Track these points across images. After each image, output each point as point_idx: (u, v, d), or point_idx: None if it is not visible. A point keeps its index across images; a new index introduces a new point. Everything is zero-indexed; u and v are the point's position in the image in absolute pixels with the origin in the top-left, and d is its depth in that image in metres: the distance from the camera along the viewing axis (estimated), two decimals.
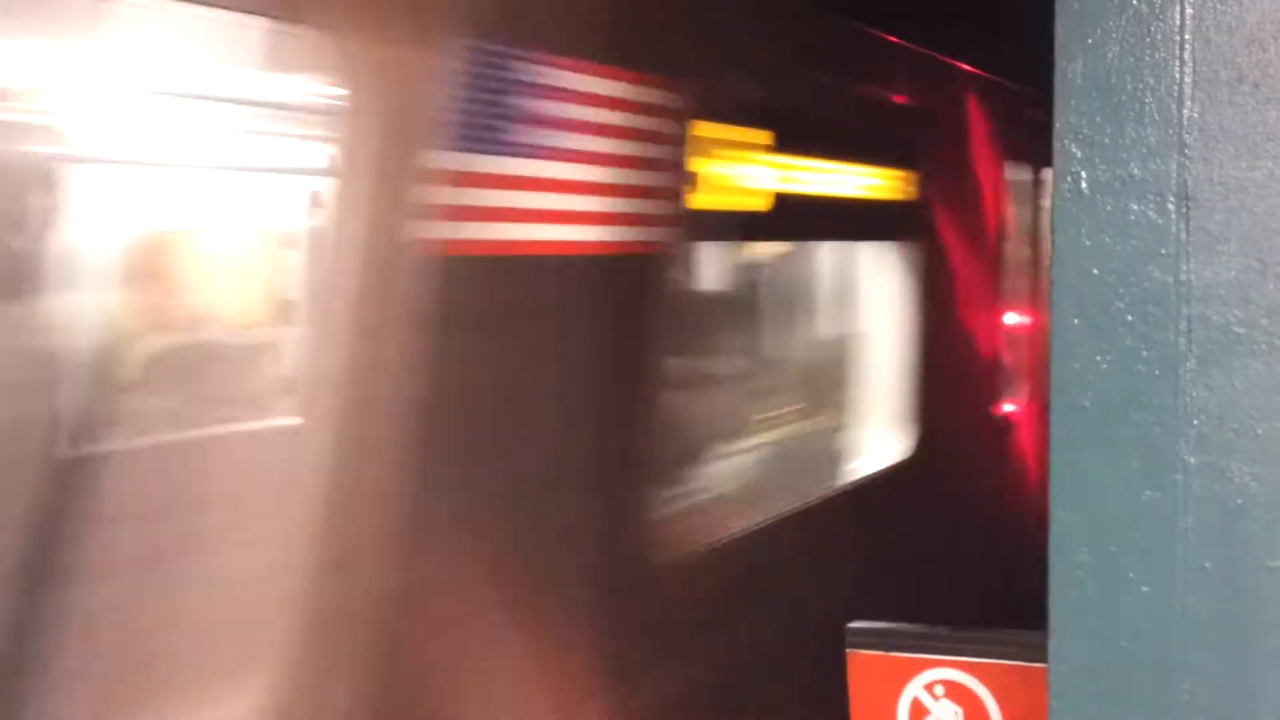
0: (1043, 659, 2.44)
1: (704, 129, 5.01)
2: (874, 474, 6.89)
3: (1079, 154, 2.38)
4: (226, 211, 4.16)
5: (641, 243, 4.59)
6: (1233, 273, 2.28)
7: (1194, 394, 2.31)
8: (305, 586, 3.50)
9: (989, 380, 8.26)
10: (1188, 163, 2.31)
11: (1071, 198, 2.38)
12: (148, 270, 3.96)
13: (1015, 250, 8.78)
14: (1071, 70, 2.38)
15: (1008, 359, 8.74)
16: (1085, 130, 2.37)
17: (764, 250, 7.37)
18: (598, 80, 4.35)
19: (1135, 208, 2.34)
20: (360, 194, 3.62)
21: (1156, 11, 2.33)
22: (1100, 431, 2.36)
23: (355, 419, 3.60)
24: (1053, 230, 2.40)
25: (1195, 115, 2.31)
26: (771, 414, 7.02)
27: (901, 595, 5.98)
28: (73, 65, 3.26)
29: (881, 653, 3.50)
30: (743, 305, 7.04)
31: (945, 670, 3.44)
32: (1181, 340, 2.31)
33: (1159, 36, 2.33)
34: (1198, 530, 2.31)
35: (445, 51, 3.85)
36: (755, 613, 5.54)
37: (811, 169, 6.08)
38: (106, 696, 3.38)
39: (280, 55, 3.50)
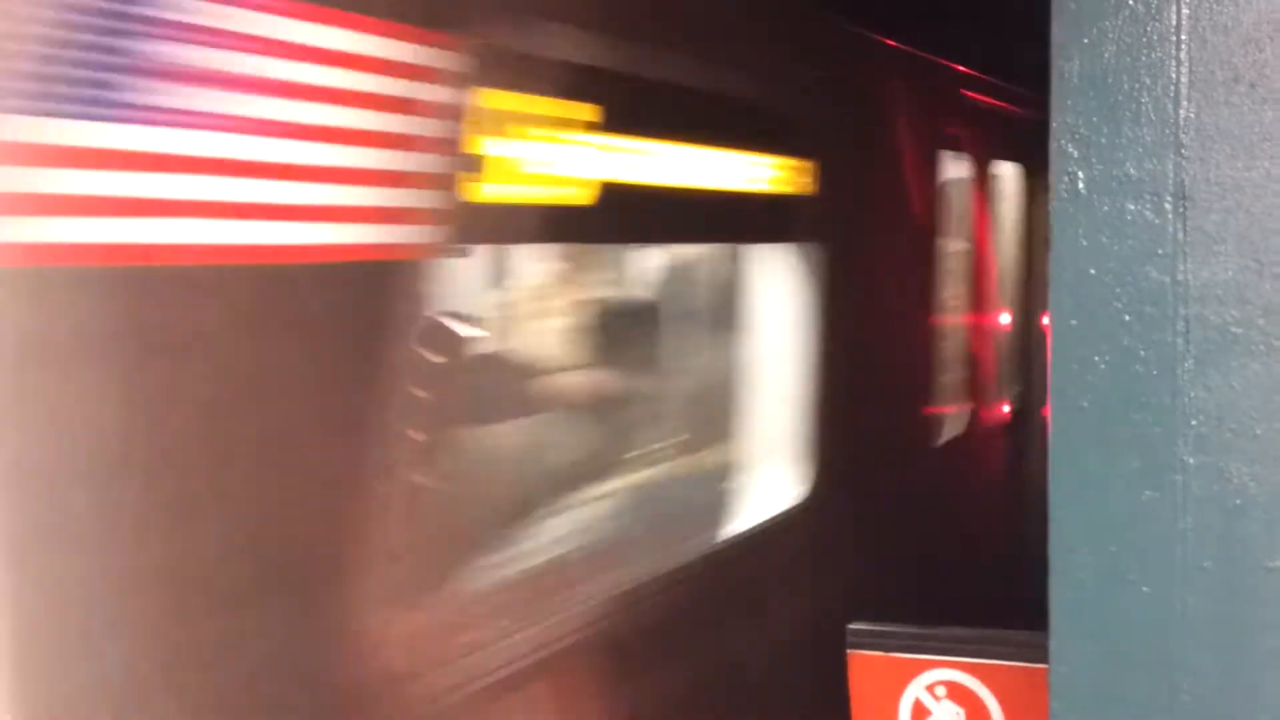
0: (1043, 659, 2.44)
1: (497, 99, 3.83)
2: (757, 526, 5.42)
3: (1075, 154, 2.38)
4: None
5: (382, 246, 3.41)
6: (1230, 273, 2.28)
7: (1192, 394, 2.31)
8: None
9: (920, 398, 7.19)
10: (1184, 163, 2.31)
11: (1068, 198, 2.38)
12: None
13: (959, 250, 7.87)
14: (1068, 70, 2.38)
15: (952, 370, 7.85)
16: (1082, 130, 2.37)
17: (610, 253, 6.33)
18: (312, 26, 3.22)
19: (1132, 208, 2.34)
20: None
21: (1153, 11, 2.33)
22: (1099, 432, 2.36)
23: None
24: (1050, 230, 2.40)
25: (1192, 115, 2.31)
26: (627, 455, 5.76)
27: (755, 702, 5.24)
28: None
29: (882, 653, 3.50)
30: (595, 322, 5.96)
31: (946, 671, 3.44)
32: (1179, 340, 2.31)
33: (1155, 36, 2.32)
34: (1197, 530, 2.31)
35: None
36: None
37: (662, 154, 4.79)
38: None
39: None
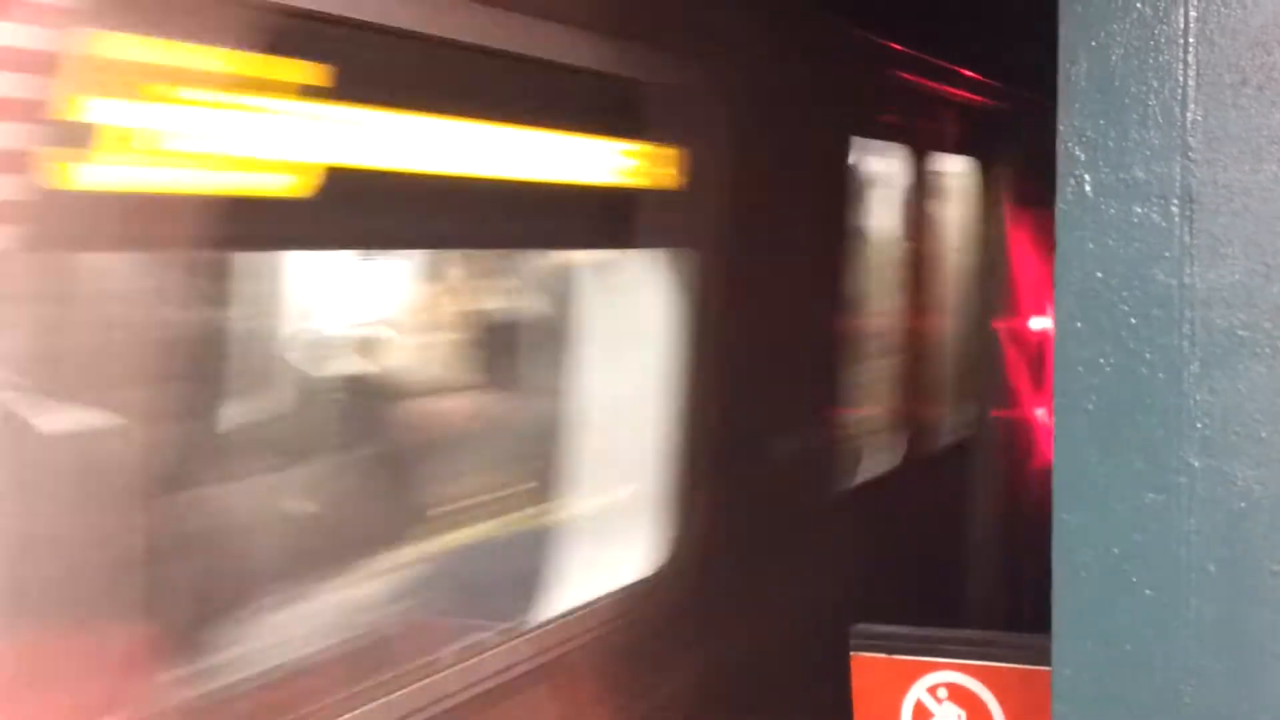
0: (1046, 662, 2.44)
1: (128, 46, 2.70)
2: (590, 604, 4.11)
3: (1083, 157, 2.38)
4: None
5: None
6: (1236, 276, 2.28)
7: (1197, 397, 2.31)
8: None
9: (828, 429, 5.86)
10: (1191, 166, 2.31)
11: (1075, 201, 2.38)
12: None
13: (890, 251, 6.90)
14: (1075, 73, 2.38)
15: (880, 391, 6.79)
16: (1089, 133, 2.37)
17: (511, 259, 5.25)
18: None
19: (1139, 211, 2.34)
20: None
21: (1161, 15, 2.33)
22: (1104, 434, 2.36)
23: None
24: (1056, 233, 2.41)
25: (1199, 118, 2.31)
26: (442, 510, 4.58)
27: None
28: None
29: (885, 655, 3.50)
30: (461, 341, 5.06)
31: (948, 673, 3.44)
32: (1185, 343, 2.31)
33: (1163, 39, 2.33)
34: (1201, 533, 2.31)
35: None
36: None
37: (431, 131, 3.56)
38: None
39: None
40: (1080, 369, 2.38)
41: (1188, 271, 2.31)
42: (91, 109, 2.67)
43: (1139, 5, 2.34)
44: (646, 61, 4.29)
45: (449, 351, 5.39)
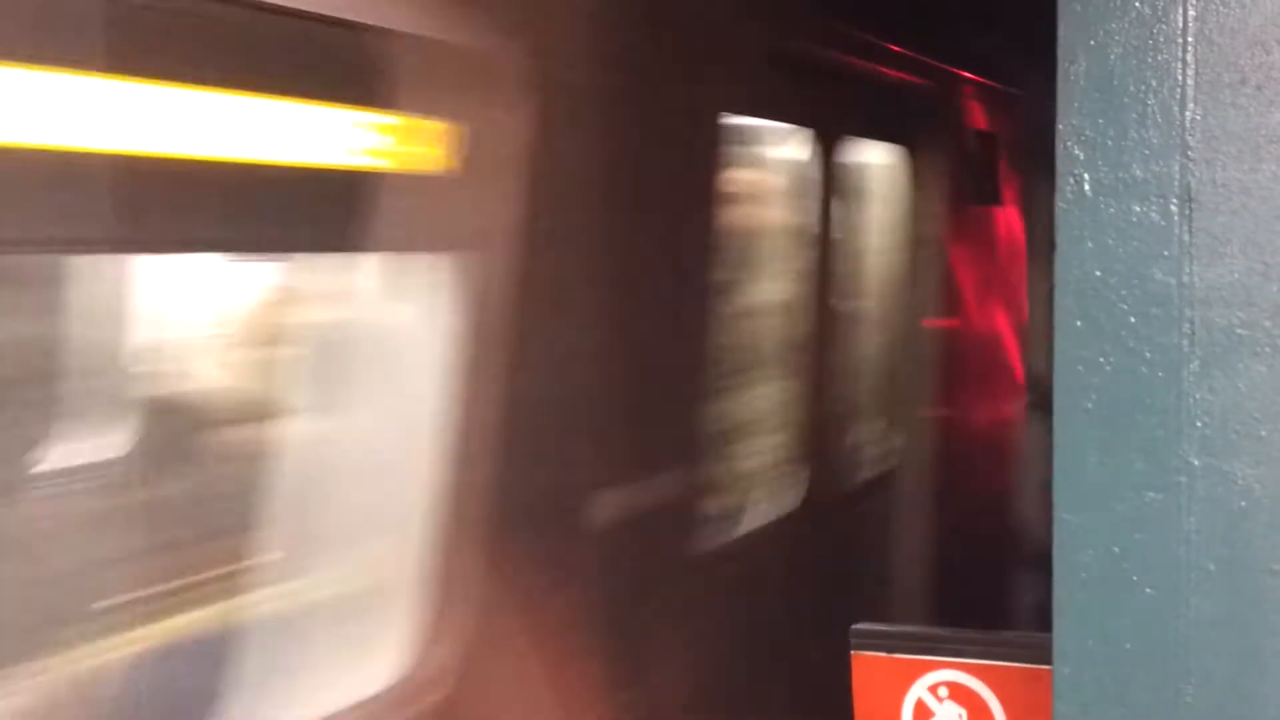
0: (1047, 661, 2.44)
1: None
2: None
3: (1082, 156, 2.38)
4: None
5: None
6: (1235, 275, 2.29)
7: (1197, 396, 2.31)
8: None
9: (680, 475, 4.71)
10: (1190, 165, 2.31)
11: (1074, 200, 2.38)
12: None
13: (779, 251, 5.89)
14: (1074, 72, 2.38)
15: (762, 417, 5.68)
16: (1088, 132, 2.37)
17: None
18: None
19: (1138, 210, 2.34)
20: None
21: (1159, 14, 2.33)
22: (1103, 434, 2.36)
23: None
24: (1055, 232, 2.41)
25: (1198, 117, 2.31)
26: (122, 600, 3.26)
27: None
28: None
29: (885, 654, 3.50)
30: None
31: (949, 672, 3.44)
32: (1184, 342, 2.31)
33: (1162, 39, 2.33)
34: (1201, 532, 2.31)
35: None
36: None
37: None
38: None
39: None
40: (1080, 368, 2.38)
41: (1187, 270, 2.31)
42: None
43: (1138, 4, 2.34)
44: (406, 7, 3.31)
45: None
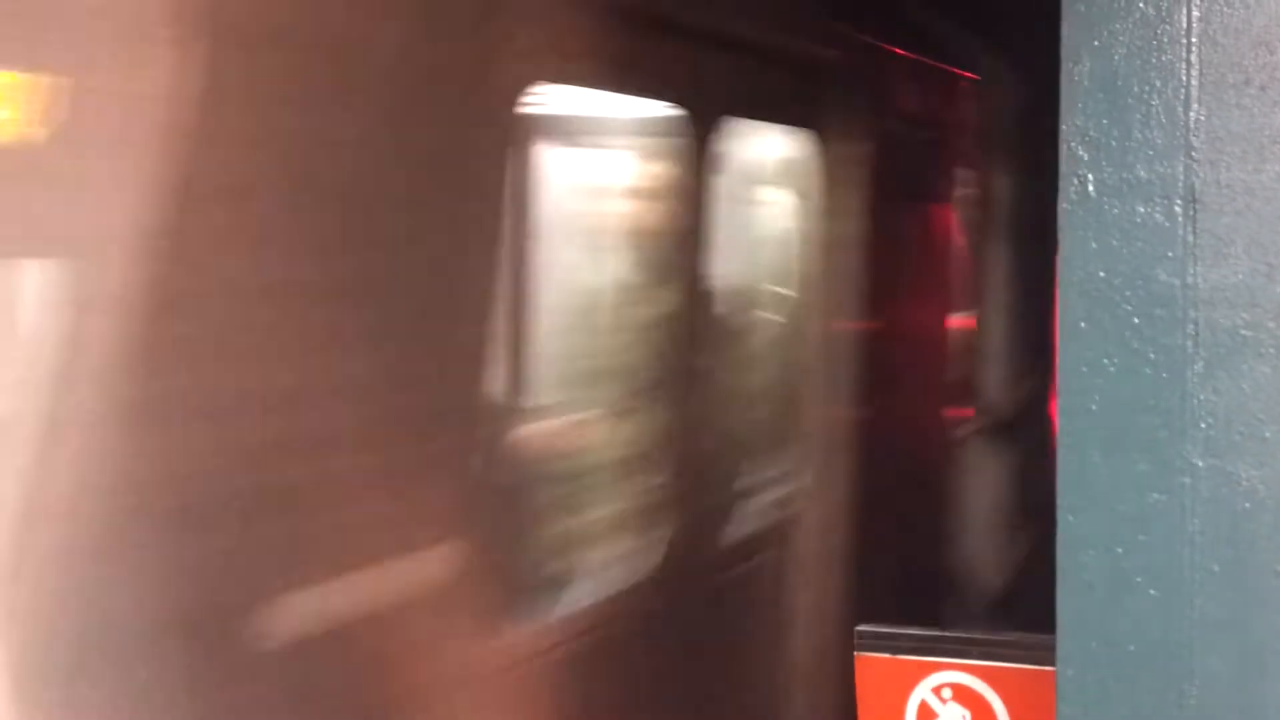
0: (1050, 662, 2.43)
1: None
2: None
3: (1085, 156, 2.38)
4: None
5: None
6: (1240, 276, 2.28)
7: (1201, 397, 2.30)
8: None
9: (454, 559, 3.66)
10: (1195, 165, 2.31)
11: (1078, 200, 2.38)
12: None
13: (621, 256, 5.02)
14: (1078, 73, 2.38)
15: (615, 473, 4.60)
16: (1092, 133, 2.37)
17: None
18: None
19: (1142, 210, 2.34)
20: None
21: (1163, 14, 2.32)
22: (1107, 434, 2.36)
23: None
24: (1059, 233, 2.40)
25: (1202, 118, 2.31)
26: None
27: None
28: None
29: (889, 655, 3.50)
30: None
31: (953, 673, 3.44)
32: (1189, 343, 2.31)
33: (1166, 39, 2.32)
34: (1205, 533, 2.31)
35: None
36: None
37: None
38: None
39: None
40: (1084, 369, 2.38)
41: (1191, 271, 2.31)
42: None
43: (1142, 5, 2.34)
44: None
45: None
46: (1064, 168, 2.38)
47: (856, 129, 6.17)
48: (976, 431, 7.56)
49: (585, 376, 4.86)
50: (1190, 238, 2.31)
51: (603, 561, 4.46)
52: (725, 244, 5.26)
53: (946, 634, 3.54)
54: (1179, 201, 2.31)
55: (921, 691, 3.47)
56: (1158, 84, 2.33)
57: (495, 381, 3.98)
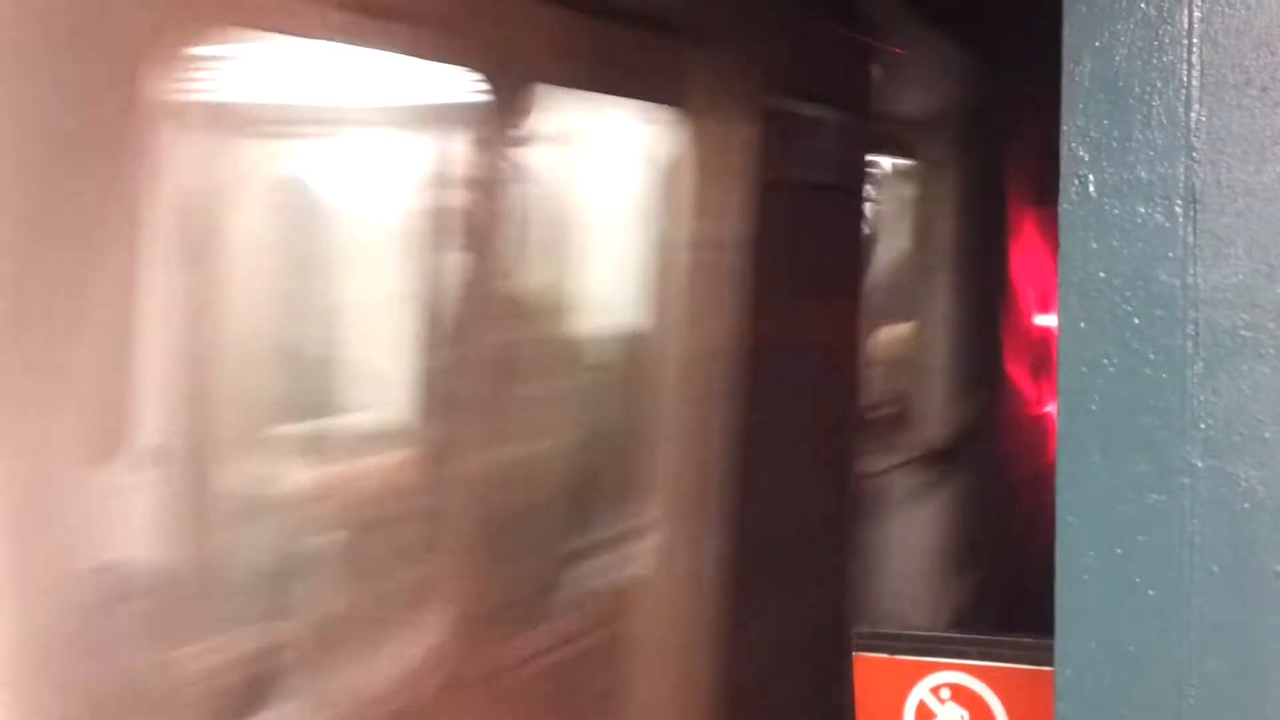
0: (1049, 663, 2.43)
1: None
2: None
3: (1086, 157, 2.38)
4: None
5: None
6: (1240, 276, 2.28)
7: (1201, 397, 2.30)
8: None
9: None
10: (1195, 166, 2.31)
11: (1079, 200, 2.38)
12: None
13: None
14: (1079, 73, 2.38)
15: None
16: (1092, 133, 2.37)
17: None
18: None
19: (1142, 211, 2.34)
20: None
21: (1165, 15, 2.33)
22: (1107, 435, 2.36)
23: None
24: (1060, 233, 2.40)
25: (1203, 118, 2.31)
26: None
27: None
28: None
29: (887, 656, 3.50)
30: None
31: (951, 674, 3.44)
32: (1189, 344, 2.31)
33: (1167, 40, 2.32)
34: (1205, 534, 2.31)
35: None
36: None
37: None
38: None
39: None
40: (1084, 369, 2.38)
41: (1191, 272, 2.31)
42: None
43: (1143, 5, 2.34)
44: None
45: None
46: (1065, 168, 2.38)
47: (739, 107, 5.00)
48: (907, 462, 6.79)
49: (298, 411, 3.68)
50: (1190, 238, 2.31)
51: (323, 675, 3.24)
52: (550, 247, 4.27)
53: (945, 634, 3.54)
54: (1179, 202, 2.31)
55: (920, 692, 3.47)
56: (1159, 84, 2.33)
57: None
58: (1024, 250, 8.75)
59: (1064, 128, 2.39)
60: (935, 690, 3.45)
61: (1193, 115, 2.31)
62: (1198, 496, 2.31)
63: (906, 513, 6.76)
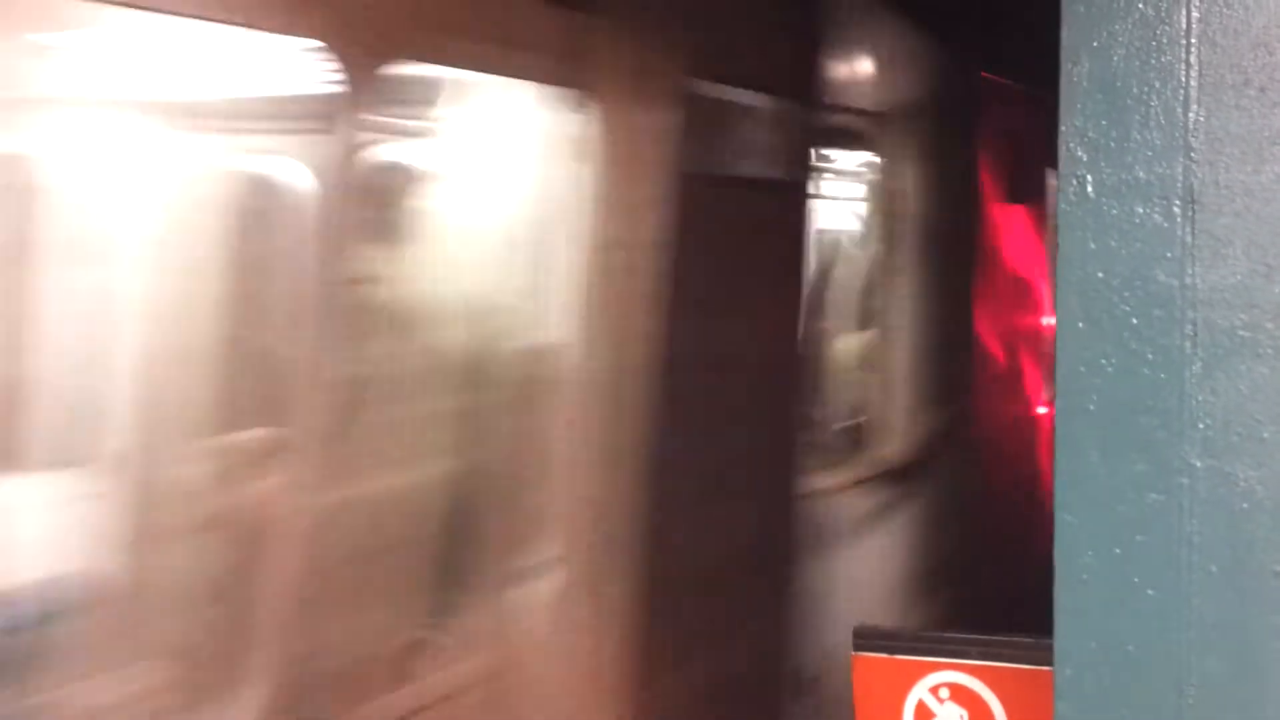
0: (1048, 662, 2.44)
1: None
2: None
3: (1084, 157, 2.38)
4: None
5: None
6: (1238, 276, 2.28)
7: (1199, 397, 2.30)
8: None
9: None
10: (1193, 166, 2.31)
11: (1077, 201, 2.38)
12: None
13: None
14: (1077, 73, 2.38)
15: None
16: (1091, 133, 2.37)
17: None
18: None
19: (1140, 211, 2.34)
20: None
21: (1163, 15, 2.33)
22: (1105, 435, 2.36)
23: None
24: (1058, 233, 2.40)
25: (1201, 119, 2.31)
26: None
27: None
28: None
29: (887, 655, 3.50)
30: None
31: (950, 673, 3.44)
32: (1187, 344, 2.31)
33: (1165, 40, 2.32)
34: (1203, 534, 2.31)
35: None
36: None
37: None
38: None
39: None
40: (1082, 369, 2.38)
41: (1189, 272, 2.31)
42: None
43: (1141, 6, 2.34)
44: None
45: None
46: (1063, 168, 2.38)
47: (660, 92, 4.48)
48: (864, 480, 6.27)
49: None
50: (1189, 238, 2.31)
51: None
52: (422, 250, 3.77)
53: (945, 634, 3.54)
54: (1177, 202, 2.32)
55: (919, 691, 3.47)
56: (1157, 85, 2.33)
57: None
58: (998, 248, 8.44)
59: (1062, 128, 2.39)
60: (934, 690, 3.45)
61: (1191, 115, 2.31)
62: (1196, 496, 2.31)
63: (864, 536, 6.24)
